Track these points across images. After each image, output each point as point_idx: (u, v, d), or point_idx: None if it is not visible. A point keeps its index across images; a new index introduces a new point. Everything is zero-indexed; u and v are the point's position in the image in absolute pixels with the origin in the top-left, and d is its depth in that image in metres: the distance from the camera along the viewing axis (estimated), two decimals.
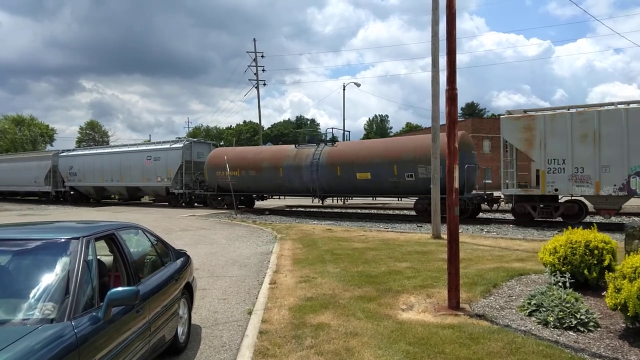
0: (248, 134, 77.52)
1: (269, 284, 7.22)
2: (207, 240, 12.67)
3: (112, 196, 32.41)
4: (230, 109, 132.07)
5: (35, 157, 36.82)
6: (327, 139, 22.26)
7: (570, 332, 4.72)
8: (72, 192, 32.42)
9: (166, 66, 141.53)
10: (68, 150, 35.27)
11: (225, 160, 22.40)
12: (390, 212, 21.51)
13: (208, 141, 29.14)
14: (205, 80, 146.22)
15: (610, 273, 4.90)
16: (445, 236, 5.99)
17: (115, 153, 29.97)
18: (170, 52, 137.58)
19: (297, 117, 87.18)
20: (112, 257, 3.78)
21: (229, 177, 22.06)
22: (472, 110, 76.82)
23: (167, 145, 27.13)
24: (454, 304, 5.54)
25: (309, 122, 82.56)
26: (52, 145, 70.39)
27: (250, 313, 5.81)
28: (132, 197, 30.04)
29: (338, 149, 19.87)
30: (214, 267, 8.97)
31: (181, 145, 26.00)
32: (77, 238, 3.24)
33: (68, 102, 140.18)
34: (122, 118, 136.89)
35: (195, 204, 26.25)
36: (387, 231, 14.11)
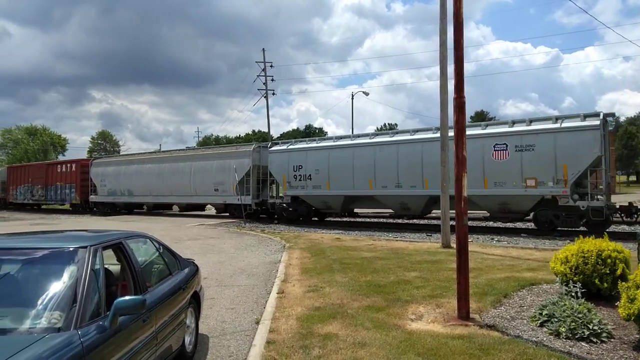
0: None
1: (277, 293, 7.20)
2: (215, 250, 12.68)
3: (354, 211, 21.15)
4: (238, 119, 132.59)
5: (217, 155, 24.32)
6: None
7: (582, 343, 4.63)
8: (285, 205, 20.79)
9: (174, 76, 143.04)
10: (284, 143, 22.20)
11: None
12: (400, 221, 21.39)
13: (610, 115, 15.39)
14: (213, 90, 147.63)
15: (623, 283, 4.81)
16: (454, 245, 5.93)
17: (405, 142, 17.29)
18: (177, 62, 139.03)
19: (306, 126, 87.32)
20: (119, 266, 3.80)
21: None
22: (482, 118, 76.46)
23: (554, 125, 14.34)
24: (463, 314, 5.47)
25: (317, 130, 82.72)
26: (64, 155, 70.95)
27: (258, 323, 5.78)
28: (425, 211, 17.92)
29: None
30: (222, 276, 8.96)
31: (596, 122, 13.63)
32: (85, 247, 3.26)
33: (78, 112, 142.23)
34: (131, 128, 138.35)
35: None
36: (396, 240, 14.02)
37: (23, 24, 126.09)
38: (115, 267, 3.86)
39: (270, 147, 22.05)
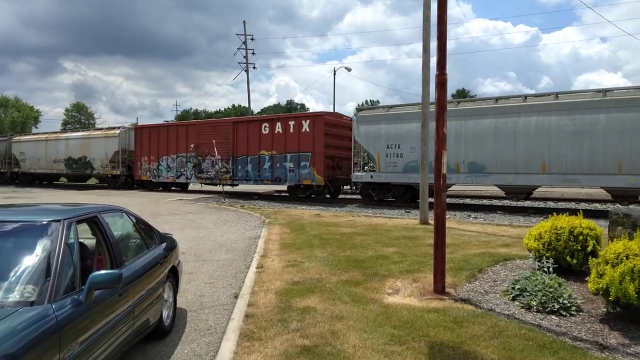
0: None
1: (256, 268, 7.22)
2: (194, 225, 12.61)
3: None
4: (216, 93, 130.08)
5: None
6: None
7: (552, 316, 4.79)
8: None
9: (149, 47, 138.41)
10: None
11: None
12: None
13: None
14: (190, 62, 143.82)
15: (594, 259, 4.97)
16: (432, 222, 6.01)
17: None
18: (152, 33, 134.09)
19: (287, 101, 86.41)
20: (94, 240, 3.73)
21: None
22: (463, 96, 76.93)
23: None
24: (439, 289, 5.58)
25: (298, 106, 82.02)
26: (37, 128, 68.78)
27: (236, 297, 5.81)
28: None
29: None
30: (200, 251, 8.94)
31: None
32: (59, 220, 3.19)
33: (50, 84, 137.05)
34: (105, 100, 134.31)
35: None
36: (375, 216, 14.16)
37: None
38: (90, 242, 3.79)
39: None
